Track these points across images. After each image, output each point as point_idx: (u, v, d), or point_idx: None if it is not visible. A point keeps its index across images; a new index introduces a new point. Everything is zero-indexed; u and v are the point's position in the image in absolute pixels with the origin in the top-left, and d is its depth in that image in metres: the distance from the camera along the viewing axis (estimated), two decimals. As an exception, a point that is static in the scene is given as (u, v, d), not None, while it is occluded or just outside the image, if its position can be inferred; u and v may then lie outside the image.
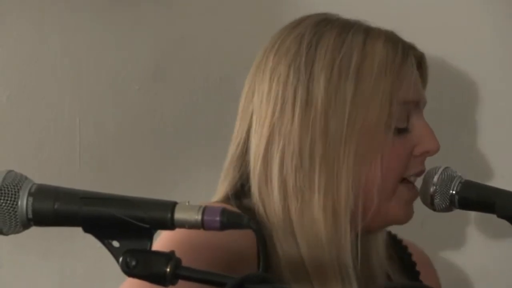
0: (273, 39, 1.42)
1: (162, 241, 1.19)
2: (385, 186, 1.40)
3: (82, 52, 1.78)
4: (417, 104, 1.43)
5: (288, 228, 1.37)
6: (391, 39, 1.41)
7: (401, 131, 1.41)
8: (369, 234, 1.45)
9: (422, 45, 1.49)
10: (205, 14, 1.80)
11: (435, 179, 1.50)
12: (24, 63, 1.78)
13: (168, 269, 1.06)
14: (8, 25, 1.77)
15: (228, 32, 1.80)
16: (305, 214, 1.37)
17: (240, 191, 1.41)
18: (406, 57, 1.40)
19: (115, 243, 1.09)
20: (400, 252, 1.58)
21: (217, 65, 1.79)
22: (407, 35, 1.49)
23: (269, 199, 1.38)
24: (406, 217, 1.44)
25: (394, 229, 1.53)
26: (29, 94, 1.77)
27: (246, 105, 1.42)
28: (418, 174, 1.44)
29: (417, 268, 1.57)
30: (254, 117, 1.40)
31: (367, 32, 1.41)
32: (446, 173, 1.51)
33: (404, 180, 1.42)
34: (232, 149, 1.43)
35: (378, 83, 1.38)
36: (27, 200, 1.09)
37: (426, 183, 1.50)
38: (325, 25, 1.41)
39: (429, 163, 1.51)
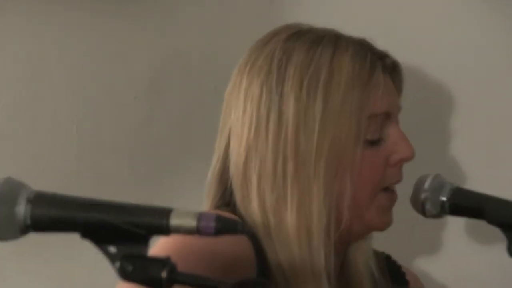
0: (246, 56, 1.46)
1: (158, 246, 1.21)
2: (360, 198, 1.43)
3: (79, 62, 1.80)
4: (389, 115, 1.44)
5: (270, 242, 1.41)
6: (360, 52, 1.43)
7: (374, 143, 1.43)
8: (352, 241, 1.48)
9: (399, 54, 1.51)
10: (199, 25, 1.83)
11: (426, 185, 1.51)
12: (20, 73, 1.80)
13: (164, 274, 1.07)
14: (2, 35, 1.79)
15: (222, 41, 1.82)
16: (282, 232, 1.41)
17: (224, 203, 1.45)
18: (374, 70, 1.42)
19: (112, 249, 1.09)
20: (393, 271, 1.61)
21: (212, 75, 1.81)
22: (384, 43, 1.49)
23: (252, 215, 1.41)
24: (384, 224, 1.47)
25: (385, 232, 1.56)
26: (26, 104, 1.79)
27: (224, 121, 1.46)
28: (397, 180, 1.46)
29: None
30: (232, 135, 1.44)
31: (336, 46, 1.42)
32: (437, 180, 1.52)
33: (385, 189, 1.45)
34: (213, 164, 1.47)
35: (346, 99, 1.40)
36: (25, 207, 1.10)
37: (417, 190, 1.51)
38: (295, 40, 1.43)
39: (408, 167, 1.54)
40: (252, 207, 1.41)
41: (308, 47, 1.42)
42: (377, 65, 1.43)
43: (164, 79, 1.85)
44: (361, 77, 1.41)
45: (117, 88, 1.83)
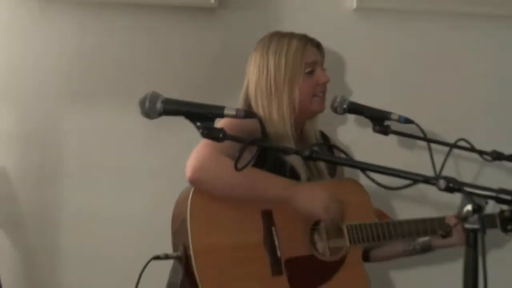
0: (256, 46, 2.68)
1: (218, 123, 2.17)
2: (306, 99, 2.65)
3: (170, 56, 3.01)
4: (316, 62, 2.66)
5: (267, 123, 2.59)
6: (301, 37, 2.75)
7: (310, 73, 2.72)
8: (306, 120, 2.67)
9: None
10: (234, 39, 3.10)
11: (337, 100, 2.71)
12: (150, 61, 2.93)
13: (220, 135, 1.98)
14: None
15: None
16: (271, 117, 2.62)
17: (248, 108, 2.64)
18: (307, 43, 2.69)
19: (198, 123, 1.99)
20: (324, 138, 2.81)
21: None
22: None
23: (259, 113, 2.60)
24: (319, 110, 2.69)
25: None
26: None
27: (246, 74, 2.66)
28: (323, 92, 2.66)
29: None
30: (249, 80, 2.68)
31: (290, 36, 2.75)
32: (342, 98, 2.71)
33: (315, 96, 2.65)
34: (241, 93, 2.69)
35: (295, 56, 2.69)
36: (160, 104, 2.01)
37: (333, 102, 2.69)
38: (273, 36, 2.76)
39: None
40: (258, 110, 2.63)
41: (278, 38, 2.69)
42: (308, 42, 2.68)
43: (217, 65, 3.09)
44: (301, 46, 2.66)
45: (189, 70, 3.06)
